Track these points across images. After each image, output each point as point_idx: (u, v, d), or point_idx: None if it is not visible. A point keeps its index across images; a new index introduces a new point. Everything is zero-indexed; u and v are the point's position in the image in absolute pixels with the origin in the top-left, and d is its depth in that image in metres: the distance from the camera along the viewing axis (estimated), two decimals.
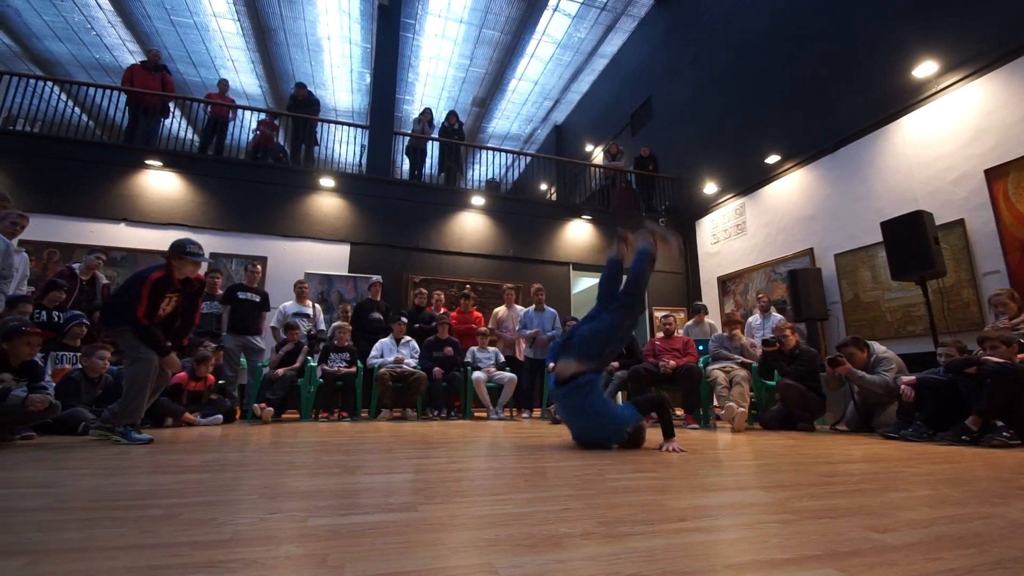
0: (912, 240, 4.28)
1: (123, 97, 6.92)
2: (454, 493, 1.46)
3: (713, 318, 7.29)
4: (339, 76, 11.90)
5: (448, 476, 1.77)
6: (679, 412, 5.52)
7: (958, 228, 4.62)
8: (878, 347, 3.90)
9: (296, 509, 1.24)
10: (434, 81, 12.09)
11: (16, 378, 2.80)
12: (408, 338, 5.57)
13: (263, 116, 8.17)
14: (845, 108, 5.79)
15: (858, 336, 3.99)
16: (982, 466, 2.15)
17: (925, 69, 4.96)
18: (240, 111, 7.73)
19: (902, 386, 3.43)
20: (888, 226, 4.51)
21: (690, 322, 6.15)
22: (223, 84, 7.66)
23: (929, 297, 4.34)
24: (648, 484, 1.61)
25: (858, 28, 5.71)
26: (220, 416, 4.24)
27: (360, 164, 8.38)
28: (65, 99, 9.14)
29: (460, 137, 8.52)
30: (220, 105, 7.29)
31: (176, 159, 6.47)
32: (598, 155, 11.62)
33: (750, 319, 5.88)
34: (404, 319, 5.61)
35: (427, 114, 8.30)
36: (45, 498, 1.36)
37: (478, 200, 7.61)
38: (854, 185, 5.65)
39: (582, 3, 9.79)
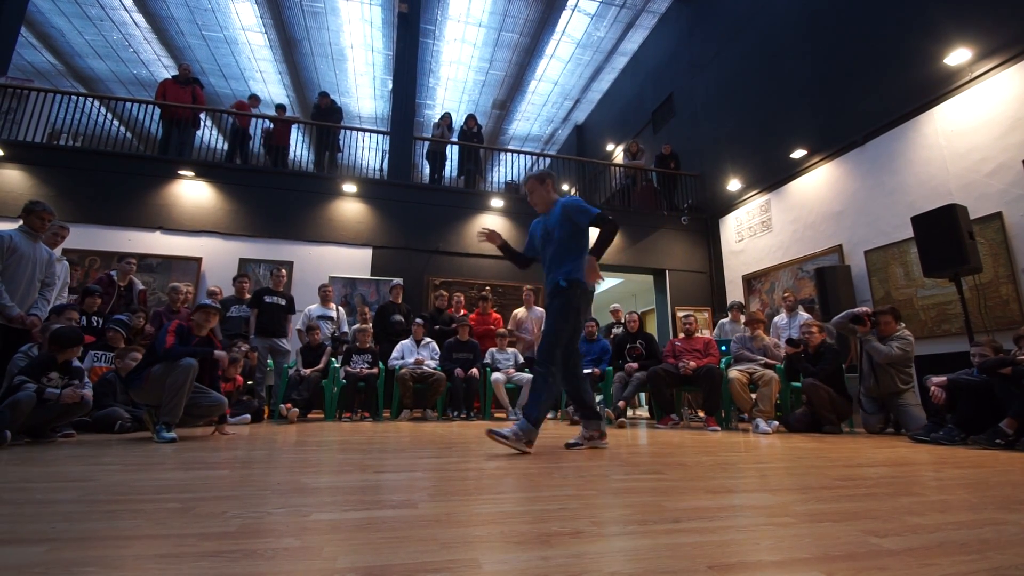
0: (945, 235, 4.11)
1: (156, 111, 7.25)
2: (456, 491, 1.50)
3: None
4: (363, 83, 12.15)
5: (456, 475, 1.80)
6: (700, 414, 5.45)
7: (995, 221, 4.42)
8: (906, 331, 3.96)
9: (302, 504, 1.29)
10: (454, 85, 12.22)
11: (61, 375, 2.99)
12: (428, 339, 5.65)
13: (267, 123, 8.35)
14: (874, 99, 5.61)
15: (896, 308, 4.10)
16: (1016, 470, 2.07)
17: (958, 56, 4.76)
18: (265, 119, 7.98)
19: (932, 387, 3.31)
20: (919, 221, 4.35)
21: (725, 319, 6.02)
22: (254, 99, 7.99)
23: (964, 294, 4.16)
24: (652, 485, 1.61)
25: (887, 15, 5.52)
26: (248, 416, 4.40)
27: (382, 169, 8.55)
28: (105, 113, 9.62)
29: (479, 140, 8.59)
30: (244, 115, 7.55)
31: (207, 169, 6.73)
32: (619, 154, 11.53)
33: (776, 318, 5.74)
34: (419, 321, 5.68)
35: (446, 119, 8.40)
36: (75, 491, 1.45)
37: (497, 202, 7.66)
38: (884, 179, 5.46)
39: (601, 1, 9.74)
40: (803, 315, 5.45)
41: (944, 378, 3.30)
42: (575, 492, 1.49)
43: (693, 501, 1.39)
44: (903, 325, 3.95)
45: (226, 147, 8.14)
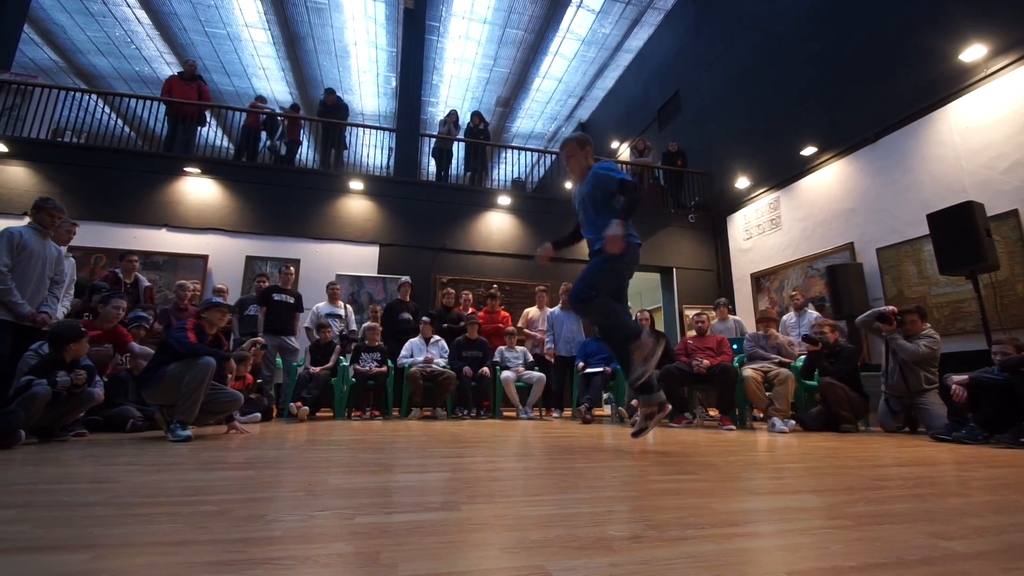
0: (962, 232, 4.08)
1: (162, 108, 7.19)
2: (494, 493, 1.46)
3: (747, 315, 7.12)
4: (366, 81, 12.08)
5: (485, 476, 1.76)
6: (713, 413, 5.41)
7: (1011, 219, 4.39)
8: (932, 330, 3.91)
9: (342, 507, 1.25)
10: (458, 83, 12.16)
11: (69, 374, 2.95)
12: (437, 338, 5.61)
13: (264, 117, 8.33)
14: (887, 96, 5.56)
15: (922, 307, 4.02)
16: None
17: (974, 52, 4.72)
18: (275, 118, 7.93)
19: (953, 386, 3.28)
20: (935, 218, 4.31)
21: (714, 320, 5.96)
22: (260, 100, 8.01)
23: (981, 292, 4.13)
24: (692, 487, 1.57)
25: (900, 11, 5.47)
26: (259, 414, 4.36)
27: (388, 167, 8.50)
28: (108, 111, 9.55)
29: (485, 137, 8.54)
30: (253, 111, 7.51)
31: (213, 166, 6.68)
32: (624, 151, 11.48)
33: (784, 317, 5.70)
34: (426, 319, 5.64)
35: (453, 115, 8.35)
36: (102, 493, 1.41)
37: (504, 200, 7.62)
38: (897, 176, 5.43)
39: None
40: (812, 313, 5.41)
41: (966, 376, 3.27)
42: (616, 494, 1.45)
43: (741, 503, 1.35)
44: (928, 324, 3.91)
45: (231, 146, 8.11)
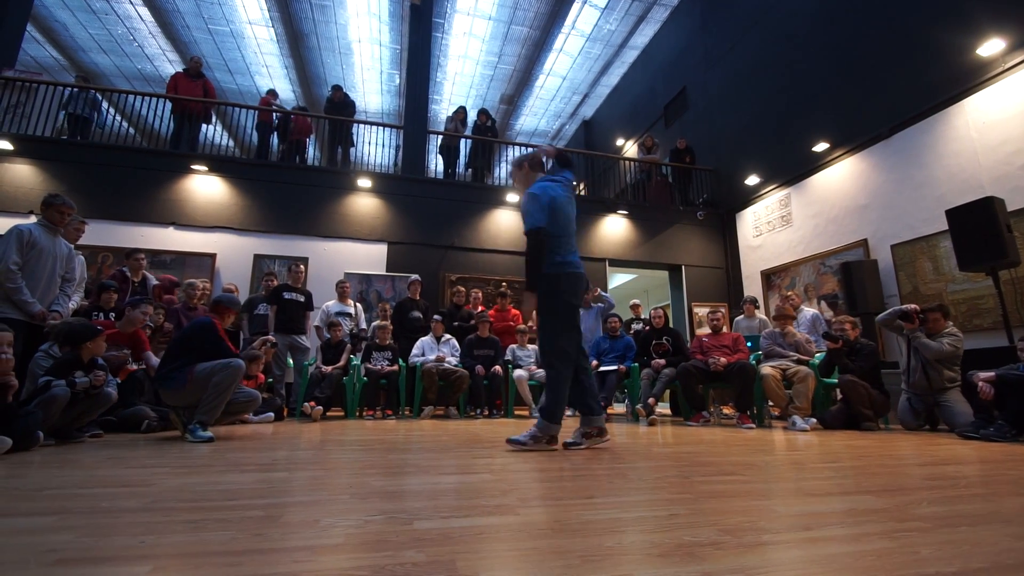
0: (982, 228, 4.04)
1: (166, 106, 7.12)
2: (545, 495, 1.41)
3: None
4: (369, 78, 12.02)
5: (528, 477, 1.72)
6: (728, 411, 5.37)
7: None
8: (955, 329, 3.85)
9: (394, 510, 1.20)
10: (462, 80, 12.09)
11: (85, 374, 2.89)
12: (448, 336, 5.56)
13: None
14: (901, 91, 5.52)
15: (945, 306, 3.95)
16: None
17: (991, 47, 4.68)
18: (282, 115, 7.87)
19: (980, 383, 3.24)
20: (954, 214, 4.27)
21: (740, 316, 5.91)
22: (272, 94, 7.97)
23: (1001, 288, 4.09)
24: (742, 488, 1.53)
25: (916, 4, 5.42)
26: (271, 414, 4.31)
27: (395, 164, 8.45)
28: (111, 110, 9.47)
29: (493, 135, 8.49)
30: (264, 109, 7.46)
31: (220, 164, 6.61)
32: (629, 149, 11.44)
33: None
34: (437, 318, 5.59)
35: (460, 112, 8.29)
36: (139, 498, 1.36)
37: (512, 197, 7.56)
38: (912, 172, 5.38)
39: None
40: (807, 311, 5.36)
41: (992, 373, 3.23)
42: (671, 496, 1.41)
43: (803, 505, 1.31)
44: (951, 323, 3.86)
45: (233, 144, 8.05)
